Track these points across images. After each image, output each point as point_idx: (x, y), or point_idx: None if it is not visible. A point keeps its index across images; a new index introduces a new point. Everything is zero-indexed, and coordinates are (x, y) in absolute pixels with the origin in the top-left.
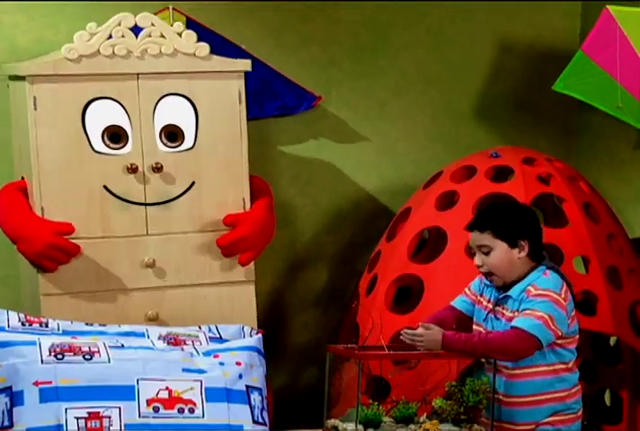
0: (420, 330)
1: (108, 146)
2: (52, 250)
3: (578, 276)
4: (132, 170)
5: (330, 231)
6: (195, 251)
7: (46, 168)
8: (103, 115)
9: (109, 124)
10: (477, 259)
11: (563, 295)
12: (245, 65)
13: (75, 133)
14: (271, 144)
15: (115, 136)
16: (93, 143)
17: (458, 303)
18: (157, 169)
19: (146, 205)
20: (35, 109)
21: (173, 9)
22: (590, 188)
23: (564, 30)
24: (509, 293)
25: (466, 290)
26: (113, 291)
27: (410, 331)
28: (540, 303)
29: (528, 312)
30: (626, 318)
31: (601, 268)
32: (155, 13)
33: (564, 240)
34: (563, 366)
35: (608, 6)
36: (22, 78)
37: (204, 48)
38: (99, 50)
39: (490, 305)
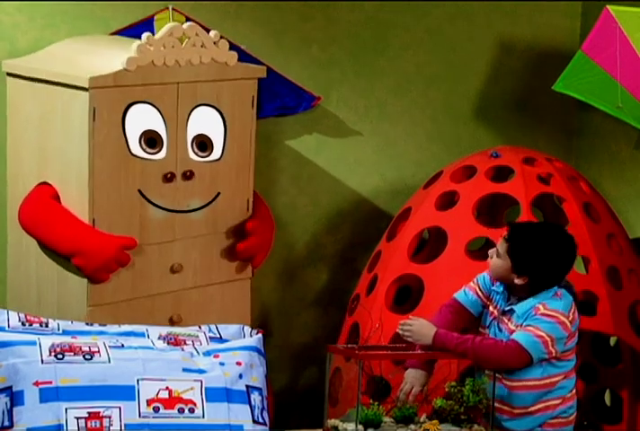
0: (410, 320)
1: (144, 151)
2: (113, 264)
3: (578, 276)
4: (169, 178)
5: (330, 231)
6: (208, 253)
7: (98, 180)
8: (141, 119)
9: (146, 128)
10: (490, 252)
11: (570, 317)
12: (261, 71)
13: (117, 138)
14: (270, 144)
15: (151, 140)
16: (130, 146)
17: (465, 299)
18: (189, 177)
19: (176, 212)
20: (94, 120)
21: (173, 9)
22: (590, 188)
23: (564, 29)
24: (515, 307)
25: (477, 288)
26: (144, 297)
27: (402, 321)
28: (546, 322)
29: (530, 328)
30: (626, 318)
31: (601, 268)
32: (155, 13)
33: None
34: (560, 377)
35: (608, 6)
36: (51, 82)
37: (234, 56)
38: (153, 61)
39: (495, 312)
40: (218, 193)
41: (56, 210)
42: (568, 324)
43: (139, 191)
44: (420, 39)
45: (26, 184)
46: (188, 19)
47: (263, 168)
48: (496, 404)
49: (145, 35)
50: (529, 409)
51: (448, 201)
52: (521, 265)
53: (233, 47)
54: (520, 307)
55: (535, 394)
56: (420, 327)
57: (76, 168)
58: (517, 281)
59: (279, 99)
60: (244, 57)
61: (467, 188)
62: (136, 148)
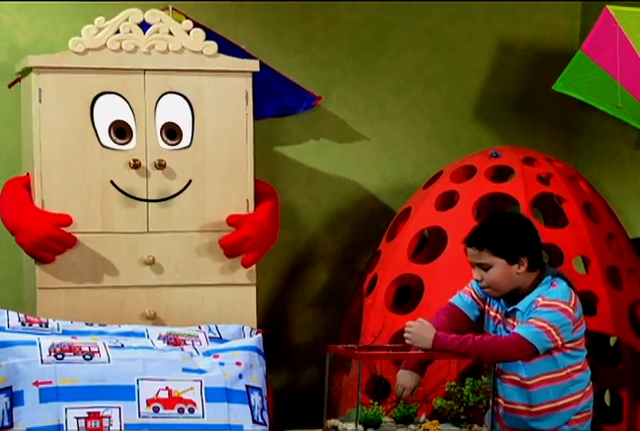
0: (412, 322)
1: (114, 141)
2: (49, 242)
3: (578, 276)
4: (135, 165)
5: (330, 231)
6: (195, 251)
7: (48, 161)
8: (110, 110)
9: (115, 119)
10: (477, 274)
11: (572, 304)
12: (253, 65)
13: (83, 127)
14: (271, 144)
15: (120, 131)
16: (100, 137)
17: (461, 302)
18: (161, 166)
19: (148, 201)
20: (40, 101)
21: (173, 9)
22: (590, 188)
23: (564, 29)
24: (517, 306)
25: (472, 291)
26: (110, 287)
27: (407, 322)
28: (546, 312)
29: (532, 320)
30: (626, 318)
31: (601, 268)
32: None
33: (564, 240)
34: (578, 367)
35: (607, 6)
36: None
37: (212, 46)
38: (106, 44)
39: (499, 316)
40: (190, 180)
41: (14, 193)
42: (570, 310)
43: (112, 182)
44: (420, 39)
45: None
46: (188, 19)
47: (263, 168)
48: (522, 408)
49: (96, 19)
50: (557, 404)
51: (448, 201)
52: (512, 249)
53: (233, 46)
54: (522, 304)
55: (558, 387)
56: (420, 330)
57: (34, 152)
58: (521, 269)
59: (279, 99)
60: (245, 57)
61: (467, 188)
62: (106, 139)
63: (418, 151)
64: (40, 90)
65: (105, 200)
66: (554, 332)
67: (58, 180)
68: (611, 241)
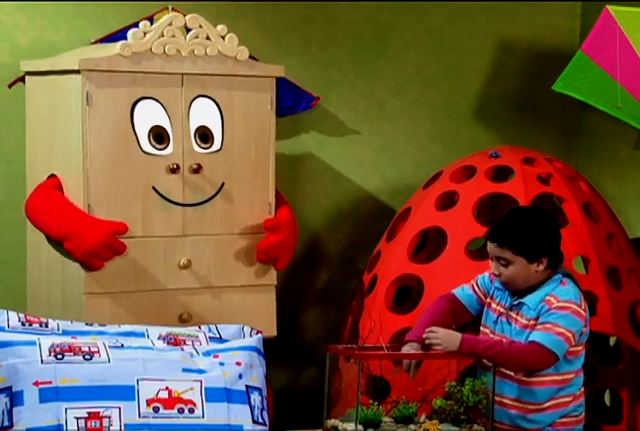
0: (435, 327)
1: (154, 147)
2: (104, 250)
3: (578, 276)
4: (173, 170)
5: (330, 231)
6: (225, 254)
7: (94, 165)
8: (149, 115)
9: (153, 124)
10: (494, 268)
11: (583, 306)
12: (280, 70)
13: (125, 132)
14: None
15: (159, 136)
16: (141, 143)
17: (461, 293)
18: (197, 170)
19: (185, 205)
20: (88, 104)
21: (173, 9)
22: (590, 188)
23: (564, 29)
24: (524, 300)
25: (474, 284)
26: (150, 291)
27: (428, 329)
28: (562, 316)
29: (548, 325)
30: (625, 318)
31: (601, 268)
32: (155, 13)
33: (563, 240)
34: (572, 375)
35: (607, 6)
36: (57, 73)
37: (244, 52)
38: (151, 49)
39: (500, 309)
40: (223, 183)
41: (53, 197)
42: (582, 312)
43: (153, 188)
44: (420, 39)
45: (40, 180)
46: None
47: None
48: (509, 401)
49: (142, 22)
50: (543, 406)
51: (448, 201)
52: (534, 249)
53: None
54: (529, 299)
55: (549, 390)
56: (446, 334)
57: (75, 154)
58: (539, 268)
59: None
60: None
61: (467, 188)
62: (146, 145)
63: (418, 151)
64: (88, 93)
65: (146, 205)
66: (572, 338)
67: (103, 186)
68: (611, 242)
